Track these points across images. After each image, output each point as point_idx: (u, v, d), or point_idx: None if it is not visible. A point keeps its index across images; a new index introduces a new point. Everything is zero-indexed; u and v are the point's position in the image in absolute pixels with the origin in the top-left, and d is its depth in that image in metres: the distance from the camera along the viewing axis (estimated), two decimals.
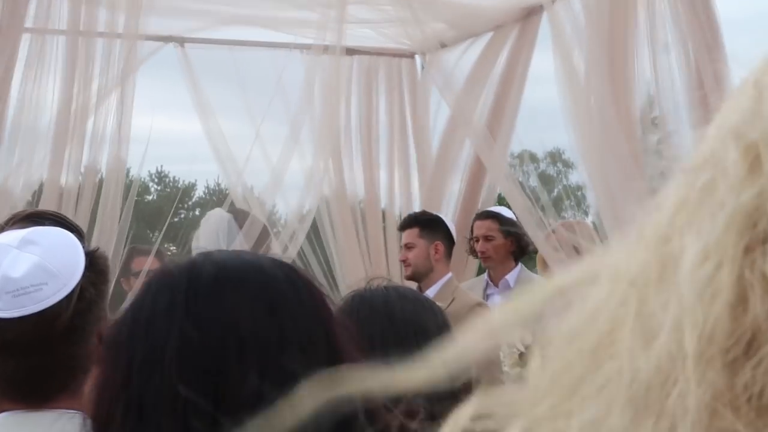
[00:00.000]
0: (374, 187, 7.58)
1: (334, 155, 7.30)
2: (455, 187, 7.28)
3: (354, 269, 7.06)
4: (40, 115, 5.22)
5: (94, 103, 5.54)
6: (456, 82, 6.59)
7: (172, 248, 6.68)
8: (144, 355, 1.25)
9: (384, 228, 7.56)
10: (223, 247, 5.77)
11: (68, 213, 5.20)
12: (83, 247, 1.99)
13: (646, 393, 0.54)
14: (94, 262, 1.98)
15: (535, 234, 5.65)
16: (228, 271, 1.28)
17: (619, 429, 0.55)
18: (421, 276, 5.38)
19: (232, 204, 6.44)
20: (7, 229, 1.99)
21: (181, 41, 6.88)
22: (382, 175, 7.67)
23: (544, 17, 6.37)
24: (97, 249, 2.02)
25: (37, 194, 5.32)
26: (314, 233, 7.44)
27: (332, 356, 1.29)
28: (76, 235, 2.02)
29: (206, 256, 1.33)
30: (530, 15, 6.61)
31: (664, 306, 0.55)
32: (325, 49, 6.41)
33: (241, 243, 5.76)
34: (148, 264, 5.90)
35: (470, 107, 6.41)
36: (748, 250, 0.53)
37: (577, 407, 0.57)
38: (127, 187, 6.22)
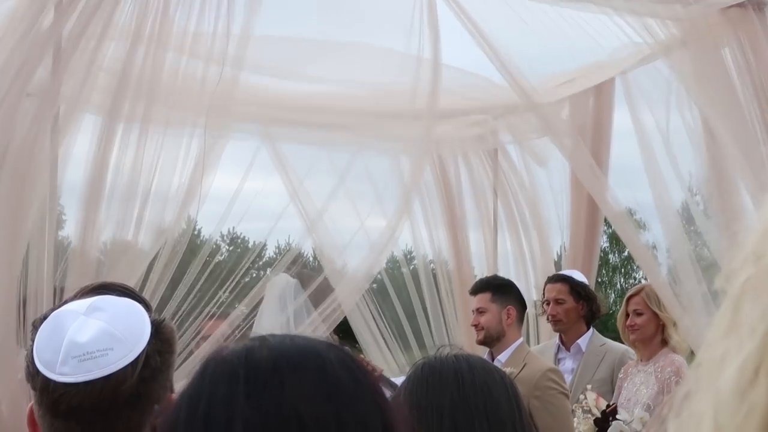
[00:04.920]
0: (460, 250, 7.63)
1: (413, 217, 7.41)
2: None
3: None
4: (115, 176, 5.25)
5: (168, 164, 5.58)
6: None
7: (243, 309, 6.69)
8: None
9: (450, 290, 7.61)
10: (290, 312, 5.83)
11: (140, 274, 5.23)
12: (150, 317, 1.99)
13: None
14: (160, 331, 1.97)
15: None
16: (285, 357, 1.25)
17: None
18: (492, 341, 5.31)
19: (298, 266, 6.46)
20: (76, 300, 2.00)
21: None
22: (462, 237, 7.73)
23: (618, 81, 6.43)
24: (164, 319, 2.01)
25: (109, 254, 5.34)
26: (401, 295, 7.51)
27: None
28: (142, 306, 2.01)
29: (261, 341, 1.29)
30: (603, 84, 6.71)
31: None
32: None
33: (306, 307, 5.77)
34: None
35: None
36: None
37: None
38: (199, 248, 6.27)
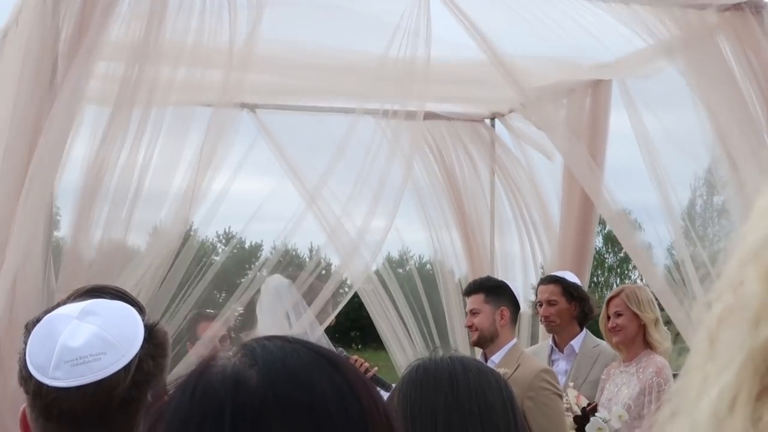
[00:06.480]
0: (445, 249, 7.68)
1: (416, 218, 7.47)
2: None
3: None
4: (109, 177, 5.23)
5: (163, 165, 5.55)
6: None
7: (239, 309, 6.68)
8: None
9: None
10: (285, 311, 5.84)
11: (135, 275, 5.21)
12: (143, 321, 1.98)
13: None
14: (154, 335, 1.97)
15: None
16: (274, 392, 1.22)
17: None
18: (486, 342, 5.32)
19: (292, 269, 6.46)
20: (69, 303, 1.99)
21: (252, 107, 6.96)
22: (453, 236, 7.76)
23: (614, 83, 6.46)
24: (157, 323, 2.00)
25: (105, 255, 5.31)
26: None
27: None
28: (136, 309, 2.01)
29: (251, 360, 1.25)
30: (599, 83, 6.72)
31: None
32: (395, 114, 6.43)
33: (300, 307, 5.81)
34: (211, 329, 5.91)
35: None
36: (761, 396, 0.51)
37: None
38: (195, 249, 6.24)
